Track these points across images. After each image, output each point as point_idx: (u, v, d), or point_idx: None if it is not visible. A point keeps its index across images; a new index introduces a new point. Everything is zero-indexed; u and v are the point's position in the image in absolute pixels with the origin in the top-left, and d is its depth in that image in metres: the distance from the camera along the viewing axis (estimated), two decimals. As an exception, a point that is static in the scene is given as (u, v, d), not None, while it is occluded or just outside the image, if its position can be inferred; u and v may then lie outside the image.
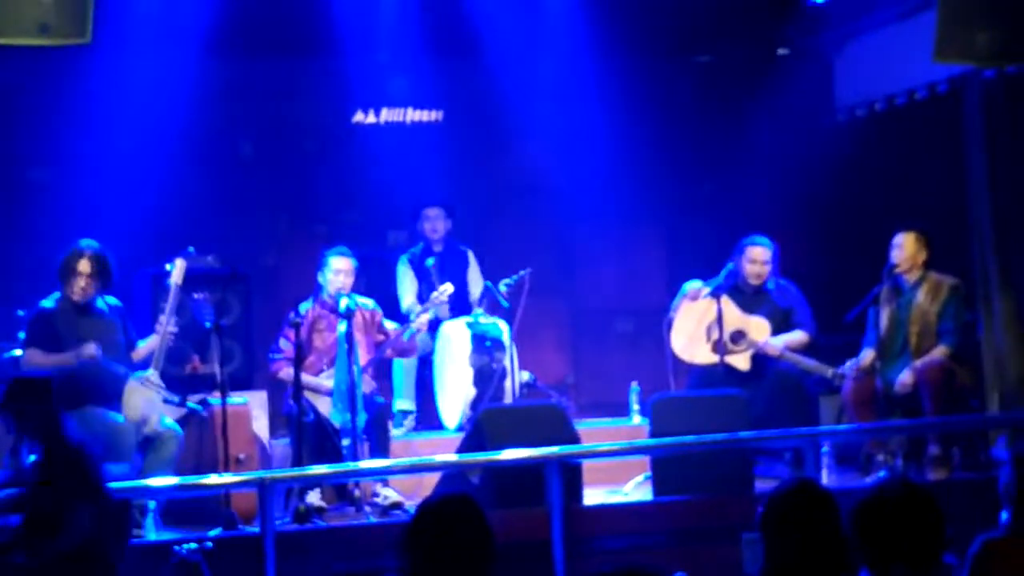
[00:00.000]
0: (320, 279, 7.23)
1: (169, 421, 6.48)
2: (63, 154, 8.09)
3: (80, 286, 6.45)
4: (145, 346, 6.69)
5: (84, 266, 6.45)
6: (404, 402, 8.04)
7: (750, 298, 7.70)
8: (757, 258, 7.69)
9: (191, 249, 6.84)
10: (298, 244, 8.69)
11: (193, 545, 4.89)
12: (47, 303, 6.51)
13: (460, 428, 7.67)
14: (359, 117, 9.21)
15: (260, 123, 8.97)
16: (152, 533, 6.15)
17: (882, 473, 6.94)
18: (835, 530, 3.34)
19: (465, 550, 3.26)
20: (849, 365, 7.23)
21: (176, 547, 5.03)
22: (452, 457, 6.48)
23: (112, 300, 6.67)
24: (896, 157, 8.63)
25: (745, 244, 7.73)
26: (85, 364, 6.33)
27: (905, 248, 7.23)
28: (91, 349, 6.29)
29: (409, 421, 8.03)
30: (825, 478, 6.91)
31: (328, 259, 7.19)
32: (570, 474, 6.10)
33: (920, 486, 3.25)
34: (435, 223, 8.46)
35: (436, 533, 3.26)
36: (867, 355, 7.26)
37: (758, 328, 7.58)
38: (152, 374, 6.49)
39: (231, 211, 8.73)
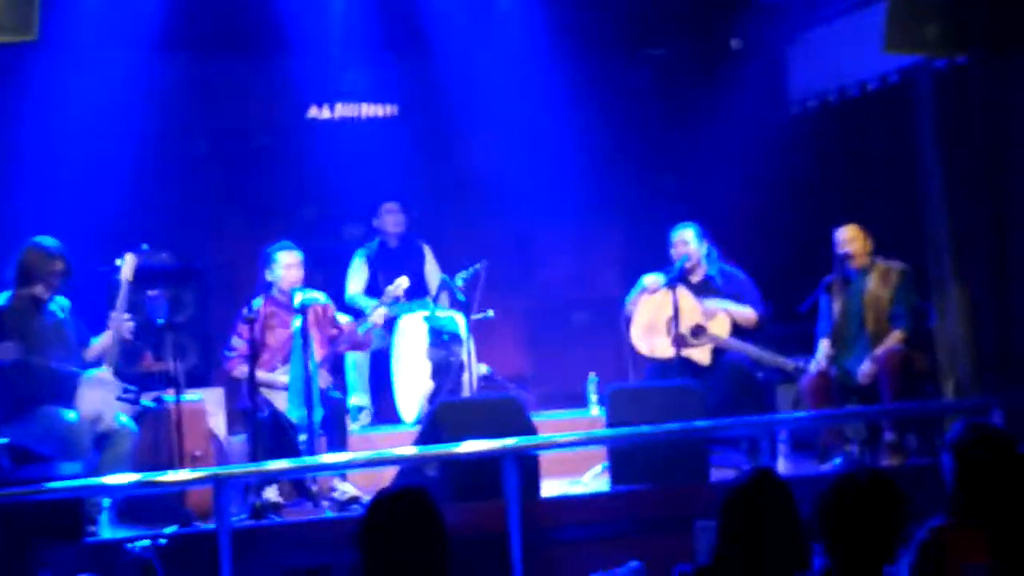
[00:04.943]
0: (269, 277, 7.15)
1: (124, 418, 6.43)
2: (11, 152, 8.00)
3: (51, 286, 6.41)
4: (99, 343, 6.61)
5: (58, 266, 6.40)
6: (359, 397, 8.02)
7: (696, 288, 7.72)
8: (676, 240, 7.73)
9: (144, 246, 6.80)
10: (254, 240, 8.57)
11: (146, 542, 4.85)
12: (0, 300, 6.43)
13: (418, 422, 7.66)
14: (313, 112, 9.18)
15: (214, 119, 8.91)
16: (107, 531, 6.12)
17: (838, 460, 7.00)
18: (791, 520, 3.37)
19: (418, 542, 3.25)
20: (813, 365, 7.27)
21: (128, 545, 4.98)
22: (410, 450, 6.43)
23: (62, 300, 6.56)
24: (849, 149, 8.67)
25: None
26: (38, 364, 6.26)
27: (855, 240, 7.31)
28: (9, 351, 6.20)
29: (364, 416, 8.01)
30: (781, 466, 6.97)
31: (275, 255, 7.12)
32: (527, 466, 6.08)
33: (884, 474, 3.29)
34: (393, 218, 8.45)
35: (388, 526, 3.25)
36: (824, 346, 7.31)
37: (719, 323, 7.60)
38: (106, 371, 6.45)
39: (186, 208, 8.67)
